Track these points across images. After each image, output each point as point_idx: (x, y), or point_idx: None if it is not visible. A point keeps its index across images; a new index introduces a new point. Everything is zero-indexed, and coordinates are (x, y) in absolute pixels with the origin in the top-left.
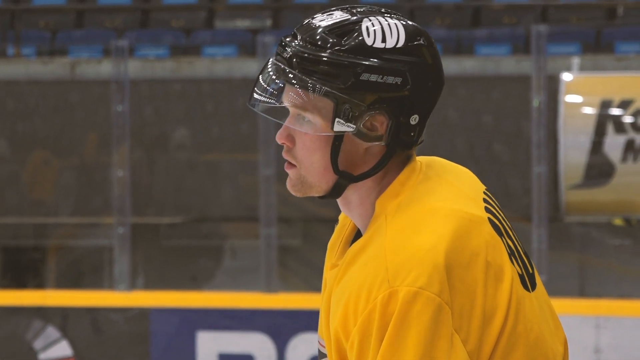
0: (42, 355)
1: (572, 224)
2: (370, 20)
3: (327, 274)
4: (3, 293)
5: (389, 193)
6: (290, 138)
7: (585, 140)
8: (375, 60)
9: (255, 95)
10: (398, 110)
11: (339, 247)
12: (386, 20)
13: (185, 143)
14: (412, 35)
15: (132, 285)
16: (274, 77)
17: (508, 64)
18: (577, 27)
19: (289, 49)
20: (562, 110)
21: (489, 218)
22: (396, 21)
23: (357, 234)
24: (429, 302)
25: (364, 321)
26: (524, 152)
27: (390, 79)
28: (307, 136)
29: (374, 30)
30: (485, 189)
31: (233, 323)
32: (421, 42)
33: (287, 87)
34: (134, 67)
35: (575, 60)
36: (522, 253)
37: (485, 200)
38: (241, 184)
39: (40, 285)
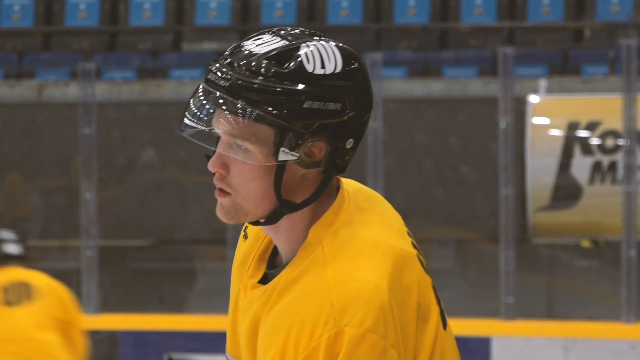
0: None
1: (540, 246)
2: (308, 45)
3: (244, 294)
4: None
5: (323, 221)
6: (224, 166)
7: (552, 162)
8: (316, 87)
9: (187, 121)
10: (337, 136)
11: (251, 264)
12: (322, 45)
13: (153, 165)
14: (348, 60)
15: (100, 308)
16: (207, 104)
17: (475, 86)
18: (543, 49)
19: (226, 77)
20: (529, 132)
21: (417, 254)
22: (331, 45)
23: (273, 253)
24: (375, 345)
25: (307, 358)
26: (491, 174)
27: (332, 105)
28: (244, 165)
29: (313, 56)
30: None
31: (202, 345)
32: (356, 65)
33: (223, 114)
34: (101, 90)
35: (542, 83)
36: (436, 289)
37: (408, 234)
38: (209, 205)
39: None
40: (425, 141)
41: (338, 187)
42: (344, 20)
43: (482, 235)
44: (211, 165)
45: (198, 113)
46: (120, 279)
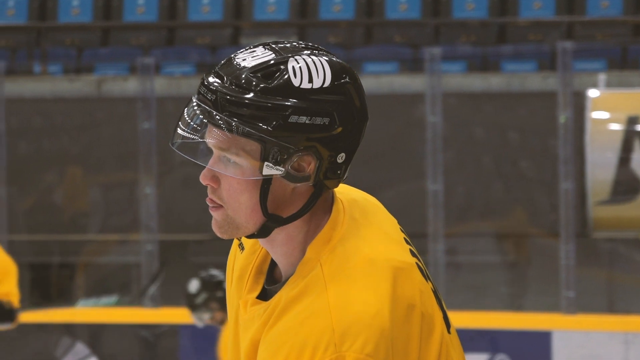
0: None
1: (600, 240)
2: (295, 59)
3: (244, 310)
4: (32, 310)
5: (320, 238)
6: (215, 179)
7: (612, 156)
8: (303, 101)
9: (180, 132)
10: (326, 150)
11: (249, 278)
12: (311, 59)
13: None
14: (337, 74)
15: (161, 302)
16: (197, 118)
17: (534, 81)
18: (602, 43)
19: (213, 90)
20: (588, 127)
21: (416, 262)
22: (321, 59)
23: (272, 265)
24: None
25: None
26: (550, 169)
27: (319, 120)
28: (233, 178)
29: (300, 70)
30: (397, 224)
31: None
32: (347, 79)
33: (212, 128)
34: (160, 85)
35: (602, 77)
36: (437, 292)
37: (405, 240)
38: None
39: (69, 302)
40: (485, 136)
41: (334, 200)
42: (403, 15)
43: (542, 229)
44: (202, 178)
45: (187, 126)
46: (180, 273)
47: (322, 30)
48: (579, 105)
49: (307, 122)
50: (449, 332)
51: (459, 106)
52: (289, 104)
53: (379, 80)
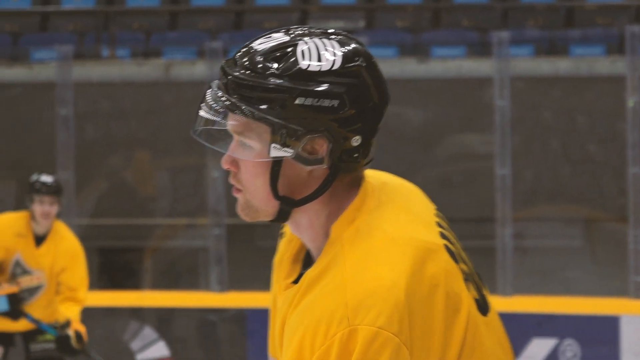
0: (139, 356)
1: None
2: (306, 43)
3: (279, 295)
4: (100, 294)
5: (344, 218)
6: (235, 163)
7: None
8: (310, 83)
9: (201, 115)
10: (337, 133)
11: (287, 263)
12: (322, 42)
13: None
14: (349, 57)
15: (228, 286)
16: (212, 103)
17: (602, 65)
18: None
19: (226, 74)
20: None
21: (444, 244)
22: (333, 42)
23: (308, 254)
24: (388, 342)
25: (321, 357)
26: (619, 153)
27: (327, 102)
28: (249, 161)
29: (309, 53)
30: (436, 209)
31: None
32: (359, 62)
33: (228, 113)
34: None
35: None
36: (475, 275)
37: (438, 224)
38: None
39: (137, 286)
40: (552, 120)
41: (361, 183)
42: None
43: (610, 214)
44: (222, 162)
45: (205, 109)
46: (248, 257)
47: (389, 15)
48: None
49: (314, 104)
50: (484, 314)
51: (526, 90)
52: (296, 86)
53: (446, 64)
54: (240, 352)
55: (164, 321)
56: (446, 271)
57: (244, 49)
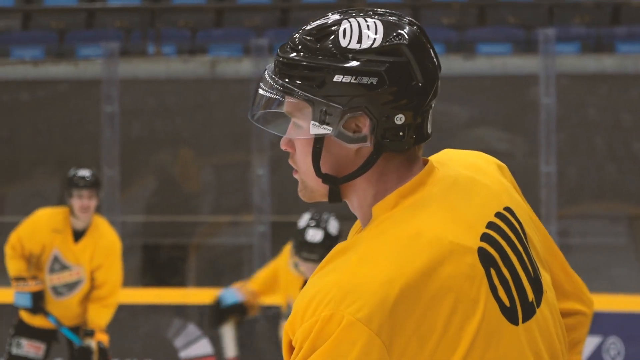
0: (183, 353)
1: None
2: (349, 21)
3: None
4: (144, 291)
5: (386, 202)
6: (291, 144)
7: None
8: (349, 61)
9: (258, 95)
10: (378, 110)
11: None
12: (366, 21)
13: None
14: (390, 35)
15: None
16: (262, 84)
17: None
18: None
19: (277, 54)
20: None
21: (480, 248)
22: (377, 21)
23: None
24: (363, 335)
25: (305, 330)
26: None
27: (365, 80)
28: (298, 141)
29: (351, 31)
30: (505, 208)
31: None
32: (401, 41)
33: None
34: None
35: None
36: (525, 280)
37: (492, 225)
38: None
39: (180, 283)
40: (598, 117)
41: (417, 168)
42: None
43: None
44: (281, 144)
45: (260, 91)
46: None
47: (435, 12)
48: None
49: (352, 81)
50: (515, 323)
51: (572, 87)
52: (334, 63)
53: (492, 61)
54: (279, 350)
55: (207, 319)
56: (465, 275)
57: (299, 30)
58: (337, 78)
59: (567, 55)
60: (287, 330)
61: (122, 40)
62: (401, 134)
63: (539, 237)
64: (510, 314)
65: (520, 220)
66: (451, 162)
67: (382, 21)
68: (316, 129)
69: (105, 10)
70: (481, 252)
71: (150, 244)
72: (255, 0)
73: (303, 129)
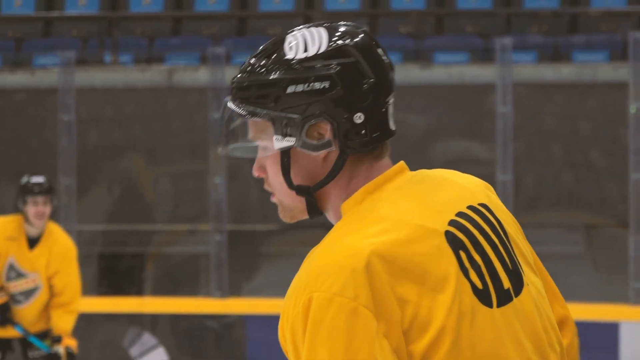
0: None
1: None
2: (294, 36)
3: None
4: (101, 300)
5: (353, 199)
6: (262, 169)
7: None
8: (298, 71)
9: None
10: (336, 113)
11: None
12: (309, 31)
13: None
14: (334, 38)
15: (229, 292)
16: (224, 115)
17: (605, 71)
18: None
19: (233, 82)
20: None
21: (448, 231)
22: (320, 29)
23: None
24: (343, 307)
25: (292, 326)
26: (621, 159)
27: (317, 85)
28: (268, 163)
29: (296, 43)
30: (480, 204)
31: None
32: (347, 42)
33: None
34: (230, 75)
35: None
36: (500, 268)
37: (462, 214)
38: None
39: (137, 292)
40: (555, 126)
41: (388, 168)
42: (474, 5)
43: (611, 220)
44: (253, 171)
45: (222, 123)
46: (248, 263)
47: (393, 21)
48: None
49: (305, 89)
50: (491, 306)
51: (529, 96)
52: (284, 76)
53: (449, 70)
54: (239, 358)
55: (163, 327)
56: (432, 255)
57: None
58: (290, 89)
59: (525, 64)
60: (281, 333)
61: (79, 49)
62: (363, 132)
63: (528, 246)
64: (483, 296)
65: (500, 219)
66: (428, 170)
67: (325, 28)
68: (279, 143)
69: (62, 18)
70: (449, 235)
71: (107, 253)
72: (212, 8)
73: (268, 148)
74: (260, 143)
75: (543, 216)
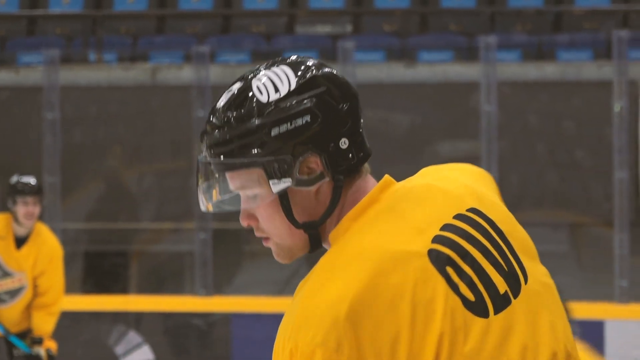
0: None
1: None
2: (259, 79)
3: None
4: (85, 298)
5: (339, 228)
6: (252, 217)
7: None
8: (277, 112)
9: (200, 195)
10: (323, 144)
11: None
12: (272, 71)
13: None
14: (301, 72)
15: (214, 291)
16: (203, 174)
17: (589, 70)
18: None
19: (204, 141)
20: None
21: (431, 249)
22: (281, 66)
23: None
24: (326, 358)
25: None
26: (605, 158)
27: (299, 121)
28: (259, 209)
29: (265, 86)
30: (469, 209)
31: None
32: (312, 73)
33: (219, 175)
34: (215, 73)
35: None
36: (495, 274)
37: (448, 227)
38: None
39: (122, 290)
40: (539, 125)
41: (370, 188)
42: (458, 4)
43: (596, 218)
44: (242, 221)
45: (201, 183)
46: (233, 261)
47: (377, 19)
48: (634, 94)
49: (289, 128)
50: (486, 316)
51: (513, 95)
52: (265, 120)
53: (433, 68)
54: (224, 356)
55: (149, 325)
56: (416, 279)
57: (210, 112)
58: (275, 132)
59: (509, 62)
60: None
61: (63, 47)
62: (350, 155)
63: (526, 235)
64: (476, 308)
65: (493, 218)
66: (418, 176)
67: (286, 64)
68: (277, 186)
69: (46, 17)
70: (432, 253)
71: (92, 251)
72: (196, 7)
73: (260, 195)
74: (247, 192)
75: (527, 215)
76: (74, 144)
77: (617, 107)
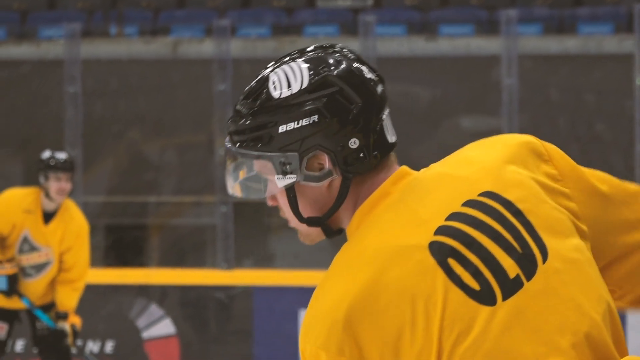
0: (145, 333)
1: None
2: (276, 73)
3: None
4: (107, 271)
5: (352, 224)
6: (274, 198)
7: None
8: (286, 109)
9: (229, 180)
10: (330, 143)
11: None
12: (289, 66)
13: None
14: (315, 71)
15: (235, 264)
16: (229, 158)
17: (610, 43)
18: None
19: (229, 126)
20: None
21: (433, 242)
22: (299, 61)
23: None
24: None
25: None
26: (626, 131)
27: (307, 120)
28: (278, 195)
29: (279, 81)
30: (483, 193)
31: None
32: (327, 72)
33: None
34: (235, 47)
35: None
36: (506, 258)
37: (455, 215)
38: None
39: (143, 263)
40: (560, 98)
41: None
42: None
43: None
44: (267, 201)
45: (232, 165)
46: (255, 234)
47: None
48: None
49: (296, 126)
50: (492, 304)
51: (534, 69)
52: (273, 117)
53: (454, 42)
54: (246, 329)
55: (170, 299)
56: (414, 273)
57: (239, 99)
58: (282, 128)
59: (530, 36)
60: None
61: (85, 21)
62: (362, 155)
63: (581, 197)
64: (482, 297)
65: (510, 198)
66: (440, 163)
67: (305, 60)
68: (282, 181)
69: None
70: (434, 246)
71: (113, 225)
72: None
73: (272, 184)
74: (268, 177)
75: None
76: (95, 118)
77: (638, 80)
